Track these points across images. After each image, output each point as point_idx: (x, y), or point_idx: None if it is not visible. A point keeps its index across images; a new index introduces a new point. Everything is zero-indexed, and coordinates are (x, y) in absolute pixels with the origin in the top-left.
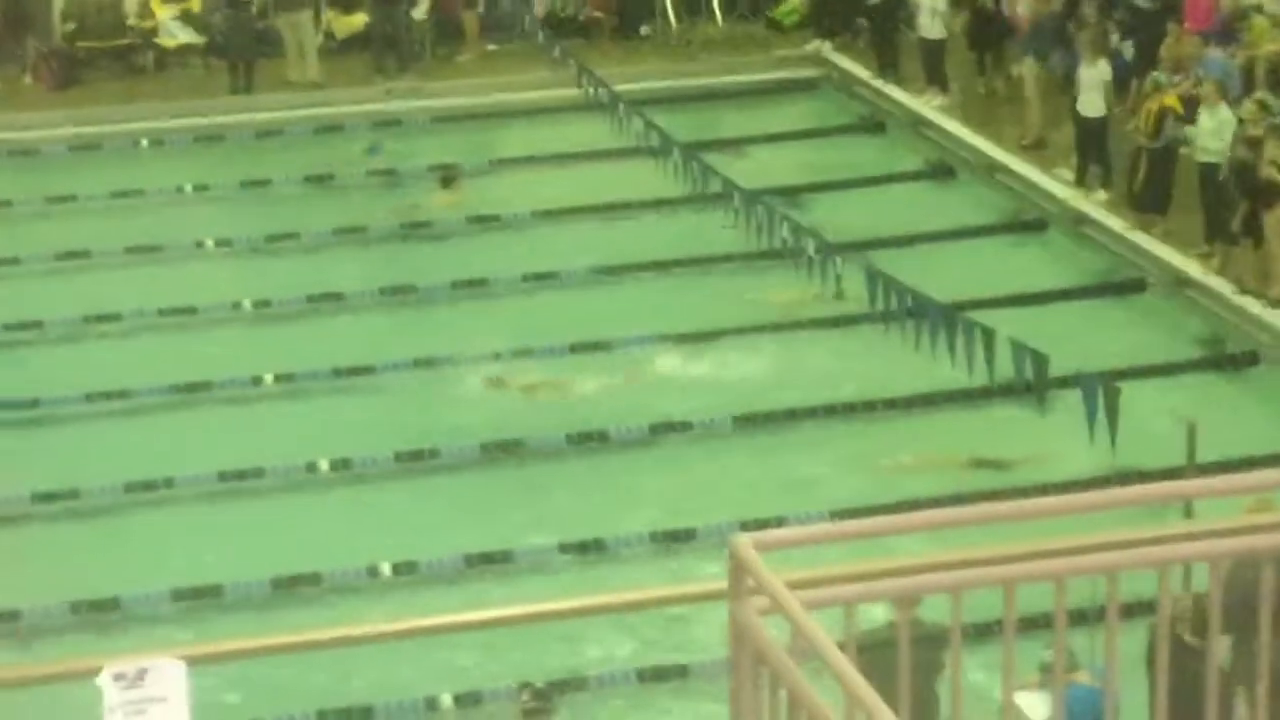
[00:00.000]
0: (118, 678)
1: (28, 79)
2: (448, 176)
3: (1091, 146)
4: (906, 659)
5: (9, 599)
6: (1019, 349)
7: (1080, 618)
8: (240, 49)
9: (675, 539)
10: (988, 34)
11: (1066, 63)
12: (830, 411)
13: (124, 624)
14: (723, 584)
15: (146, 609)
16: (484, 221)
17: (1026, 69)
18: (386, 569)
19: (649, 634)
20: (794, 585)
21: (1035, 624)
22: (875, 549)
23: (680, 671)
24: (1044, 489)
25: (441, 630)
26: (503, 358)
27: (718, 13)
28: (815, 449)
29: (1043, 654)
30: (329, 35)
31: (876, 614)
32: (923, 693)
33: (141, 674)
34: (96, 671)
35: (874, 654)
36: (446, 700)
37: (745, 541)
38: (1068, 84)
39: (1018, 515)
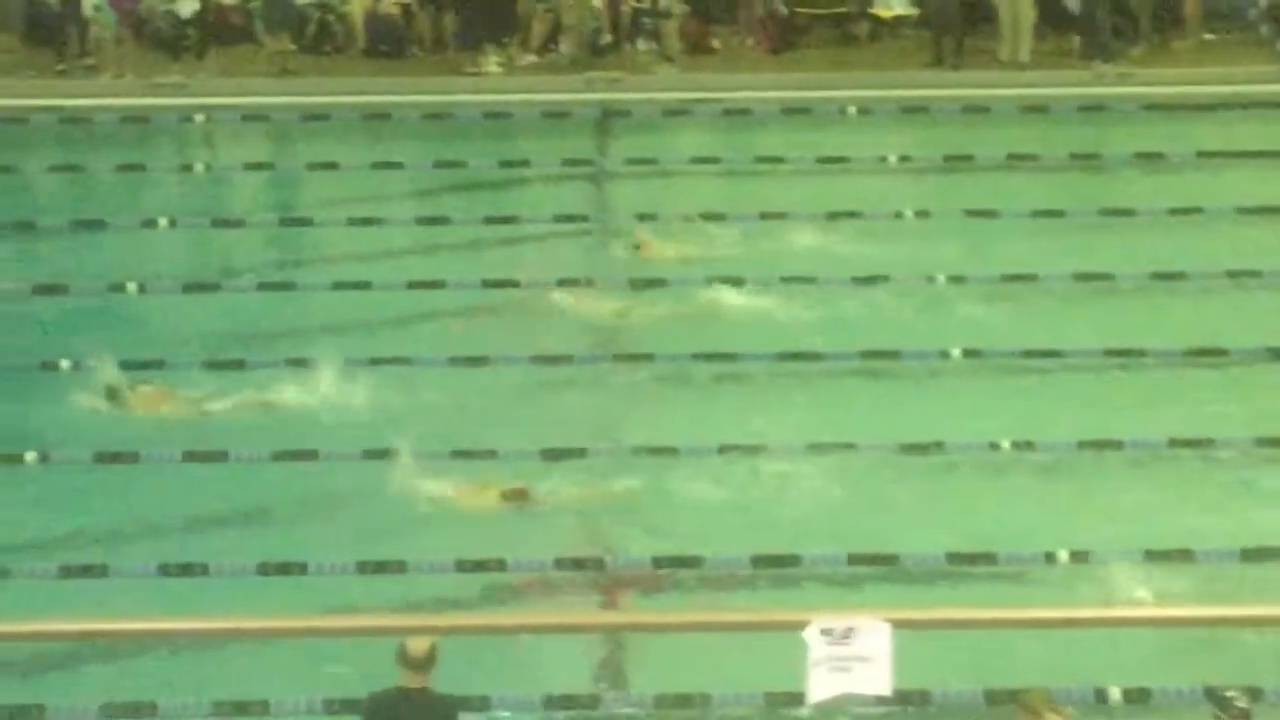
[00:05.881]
0: (825, 633)
1: (749, 41)
2: None
3: None
4: None
5: (693, 547)
6: None
7: None
8: (950, 23)
9: None
10: None
11: None
12: None
13: (798, 581)
14: None
15: (823, 569)
16: (1185, 214)
17: None
18: (1064, 555)
19: None
20: None
21: None
22: None
23: None
24: None
25: (1112, 624)
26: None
27: None
28: None
29: None
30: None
31: None
32: None
33: (848, 632)
34: (804, 625)
35: None
36: (1115, 694)
37: None
38: None
39: None
